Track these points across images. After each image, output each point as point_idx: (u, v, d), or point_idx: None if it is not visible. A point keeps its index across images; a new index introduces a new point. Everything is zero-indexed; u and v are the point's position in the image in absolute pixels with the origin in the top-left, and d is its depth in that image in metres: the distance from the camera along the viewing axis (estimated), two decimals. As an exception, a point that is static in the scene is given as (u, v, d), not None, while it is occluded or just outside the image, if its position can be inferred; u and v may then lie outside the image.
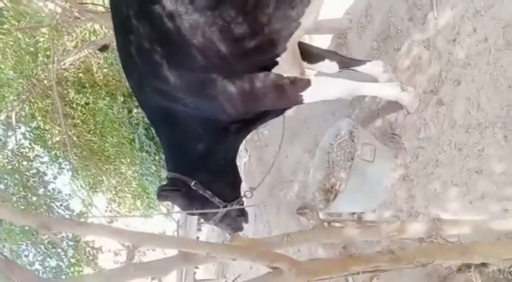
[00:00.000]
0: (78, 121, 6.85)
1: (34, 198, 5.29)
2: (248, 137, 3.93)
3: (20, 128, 6.06)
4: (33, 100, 6.11)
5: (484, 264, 1.24)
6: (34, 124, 6.43)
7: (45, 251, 5.25)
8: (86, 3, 5.57)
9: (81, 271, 5.88)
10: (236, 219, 2.87)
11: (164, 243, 1.03)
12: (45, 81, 5.96)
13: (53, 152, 6.46)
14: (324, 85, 2.60)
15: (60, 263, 5.58)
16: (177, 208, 2.99)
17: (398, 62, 3.15)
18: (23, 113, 6.11)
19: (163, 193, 2.67)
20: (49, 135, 6.58)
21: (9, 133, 5.73)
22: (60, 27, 5.36)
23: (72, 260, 5.45)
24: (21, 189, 5.16)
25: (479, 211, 2.28)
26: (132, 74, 2.54)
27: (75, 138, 6.55)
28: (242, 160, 6.31)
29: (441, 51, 2.76)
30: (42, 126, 6.47)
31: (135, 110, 6.72)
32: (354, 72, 2.98)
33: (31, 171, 5.65)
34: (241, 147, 4.72)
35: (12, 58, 5.67)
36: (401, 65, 3.11)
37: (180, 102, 2.46)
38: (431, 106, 2.74)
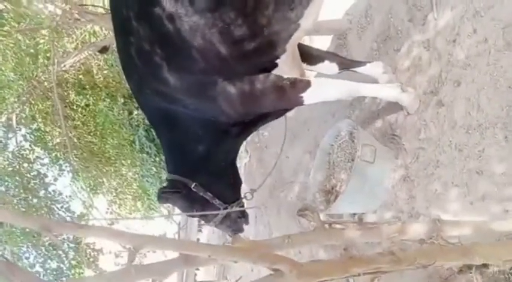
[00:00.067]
0: (79, 123, 6.86)
1: (35, 200, 5.29)
2: (248, 138, 3.94)
3: (20, 130, 6.06)
4: (33, 102, 6.12)
5: (485, 265, 1.24)
6: (34, 126, 6.44)
7: (46, 253, 5.25)
8: (86, 5, 5.58)
9: (82, 273, 5.87)
10: (236, 221, 2.87)
11: (165, 246, 1.03)
12: (46, 83, 5.97)
13: (54, 154, 6.46)
14: (324, 86, 2.60)
15: (61, 265, 5.58)
16: (177, 210, 2.99)
17: (398, 63, 3.15)
18: (24, 115, 6.12)
19: (163, 195, 2.67)
20: (49, 137, 6.58)
21: (10, 135, 5.73)
22: (60, 29, 5.36)
23: (73, 262, 5.46)
24: (21, 191, 5.16)
25: (480, 212, 2.28)
26: (132, 76, 2.54)
27: (75, 140, 6.55)
28: (242, 161, 6.31)
29: (441, 52, 2.77)
30: (42, 128, 6.48)
31: (135, 112, 6.72)
32: (353, 74, 2.99)
33: (32, 173, 5.65)
34: (242, 148, 4.73)
35: (13, 60, 5.68)
36: (401, 66, 3.11)
37: (180, 104, 2.46)
38: (432, 107, 2.74)
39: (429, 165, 2.67)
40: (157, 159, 7.01)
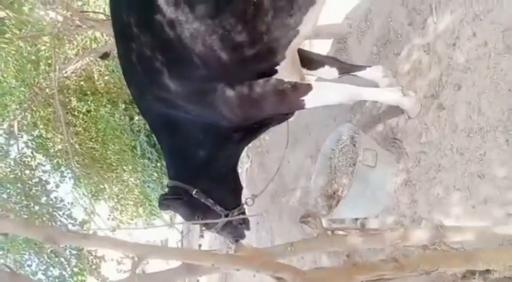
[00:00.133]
0: (80, 129, 6.87)
1: (37, 207, 5.29)
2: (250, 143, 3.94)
3: (22, 136, 6.07)
4: (35, 109, 6.14)
5: (488, 271, 1.23)
6: (36, 132, 6.45)
7: (48, 260, 5.24)
8: (87, 12, 5.61)
9: (84, 280, 5.86)
10: (238, 227, 2.87)
11: (168, 255, 1.03)
12: (47, 90, 5.99)
13: (55, 160, 6.47)
14: (325, 90, 2.60)
15: (63, 272, 5.56)
16: (179, 216, 2.99)
17: (399, 67, 3.15)
18: (25, 122, 6.13)
19: (164, 202, 2.67)
20: (51, 144, 6.59)
21: (12, 142, 5.74)
22: (61, 36, 5.38)
23: (75, 269, 5.44)
24: (23, 198, 5.16)
25: (482, 216, 2.28)
26: (133, 82, 2.55)
27: (77, 146, 6.57)
28: (244, 166, 6.32)
29: (441, 55, 2.77)
30: (44, 135, 6.49)
31: (136, 117, 6.73)
32: (354, 78, 2.99)
33: (33, 180, 5.65)
34: (243, 153, 4.73)
35: (14, 67, 5.70)
36: (402, 70, 3.12)
37: (181, 110, 2.47)
38: (432, 111, 2.74)
39: (431, 169, 2.66)
40: (158, 164, 7.02)
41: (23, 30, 5.25)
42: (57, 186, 5.99)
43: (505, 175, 2.20)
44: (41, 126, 6.41)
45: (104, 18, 5.39)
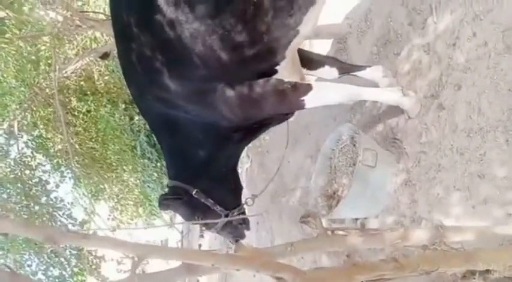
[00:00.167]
0: (80, 129, 6.87)
1: (37, 207, 5.29)
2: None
3: (22, 136, 6.07)
4: (35, 108, 6.14)
5: (488, 271, 1.23)
6: (36, 133, 6.45)
7: (48, 260, 5.25)
8: (87, 12, 5.61)
9: (84, 280, 5.86)
10: (238, 227, 2.87)
11: (168, 255, 1.03)
12: (47, 90, 5.99)
13: (55, 160, 6.47)
14: (325, 89, 2.60)
15: (63, 272, 5.56)
16: (179, 216, 2.99)
17: (399, 67, 3.15)
18: (25, 122, 6.13)
19: (164, 202, 2.67)
20: (51, 144, 6.59)
21: (12, 142, 5.74)
22: (61, 36, 5.38)
23: (75, 269, 5.45)
24: (23, 198, 5.16)
25: (482, 216, 2.28)
26: (133, 82, 2.55)
27: (77, 146, 6.57)
28: (244, 166, 6.32)
29: (441, 55, 2.77)
30: (44, 135, 6.49)
31: (136, 117, 6.74)
32: (354, 78, 2.99)
33: (33, 180, 5.65)
34: (243, 153, 4.74)
35: (14, 67, 5.70)
36: (402, 70, 3.12)
37: (181, 110, 2.47)
38: (432, 111, 2.74)
39: (431, 169, 2.66)
40: (158, 164, 7.02)
41: (23, 30, 5.25)
42: (57, 186, 6.00)
43: (505, 175, 2.20)
44: (41, 126, 6.41)
45: (104, 18, 5.39)
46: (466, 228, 1.35)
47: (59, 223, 5.46)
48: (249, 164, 6.42)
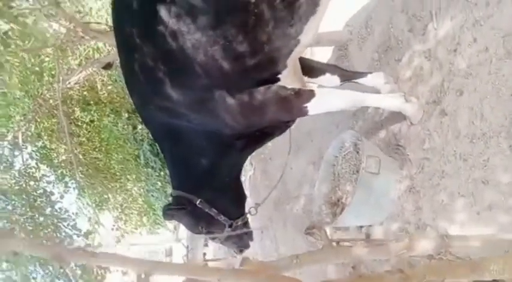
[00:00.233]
0: (84, 139, 6.91)
1: (41, 219, 5.29)
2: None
3: (26, 147, 6.11)
4: (39, 119, 6.18)
5: (495, 281, 1.23)
6: (40, 143, 6.48)
7: (53, 272, 5.23)
8: (89, 23, 5.67)
9: (90, 292, 5.84)
10: (242, 237, 2.87)
11: (174, 271, 1.03)
12: (51, 101, 6.03)
13: (59, 171, 6.50)
14: (328, 96, 2.60)
15: (69, 284, 5.55)
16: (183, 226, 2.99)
17: (400, 73, 3.16)
18: (29, 133, 6.17)
19: (168, 212, 2.67)
20: (55, 154, 6.63)
21: (16, 153, 5.76)
22: (64, 47, 5.44)
23: (81, 281, 5.43)
24: (28, 209, 5.17)
25: (487, 222, 2.26)
26: (136, 92, 2.56)
27: (80, 157, 6.60)
28: (247, 174, 6.32)
29: (442, 61, 2.77)
30: (48, 146, 6.53)
31: (139, 126, 6.77)
32: (355, 85, 3.00)
33: (38, 191, 5.66)
34: (246, 160, 4.74)
35: (18, 78, 5.75)
36: (403, 76, 3.12)
37: (184, 119, 2.48)
38: (435, 117, 2.74)
39: (434, 175, 2.65)
40: (162, 173, 7.03)
41: (27, 42, 5.30)
42: (62, 197, 6.00)
43: (509, 181, 2.19)
44: (45, 137, 6.45)
45: (107, 28, 5.44)
46: (471, 237, 1.35)
47: (63, 234, 5.46)
48: (252, 172, 6.42)
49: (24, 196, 5.30)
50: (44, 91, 5.98)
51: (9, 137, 5.84)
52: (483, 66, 2.45)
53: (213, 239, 2.88)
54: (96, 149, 7.04)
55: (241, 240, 2.89)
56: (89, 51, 6.50)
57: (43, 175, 6.14)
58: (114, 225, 7.30)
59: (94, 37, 5.27)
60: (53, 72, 5.89)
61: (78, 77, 6.27)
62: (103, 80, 6.96)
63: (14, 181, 5.60)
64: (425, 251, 1.24)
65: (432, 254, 1.24)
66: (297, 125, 4.52)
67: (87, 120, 6.79)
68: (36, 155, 6.34)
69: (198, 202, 2.63)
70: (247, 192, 3.14)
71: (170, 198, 2.84)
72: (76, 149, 6.40)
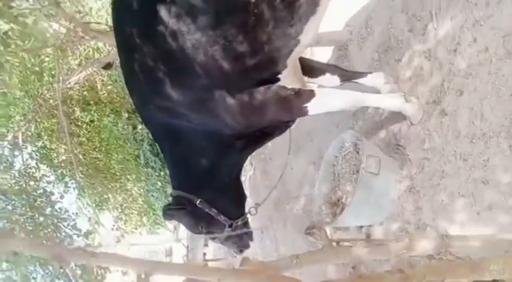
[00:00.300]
0: (84, 139, 6.91)
1: (41, 219, 5.29)
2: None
3: (26, 148, 6.11)
4: (39, 119, 6.19)
5: (495, 281, 1.23)
6: (40, 143, 6.49)
7: (54, 272, 5.23)
8: (89, 23, 5.67)
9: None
10: (242, 238, 2.87)
11: (174, 271, 1.03)
12: (51, 101, 6.04)
13: (59, 171, 6.50)
14: (328, 96, 2.60)
15: (69, 284, 5.55)
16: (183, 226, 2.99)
17: (400, 73, 3.16)
18: (30, 133, 6.17)
19: (168, 212, 2.67)
20: (55, 154, 6.63)
21: (16, 153, 5.77)
22: (64, 47, 5.44)
23: (81, 281, 5.42)
24: (28, 209, 5.17)
25: (487, 222, 2.26)
26: (136, 92, 2.57)
27: (80, 157, 6.60)
28: (247, 174, 6.32)
29: (442, 61, 2.78)
30: (48, 146, 6.54)
31: (139, 126, 6.77)
32: (355, 85, 3.00)
33: (38, 191, 5.66)
34: (246, 161, 4.74)
35: (18, 78, 5.75)
36: (403, 76, 3.12)
37: (184, 119, 2.48)
38: (435, 117, 2.74)
39: (434, 175, 2.66)
40: (162, 173, 7.03)
41: (27, 42, 5.30)
42: (62, 197, 6.00)
43: (509, 181, 2.19)
44: (45, 137, 6.46)
45: (107, 28, 5.44)
46: (471, 237, 1.35)
47: (63, 234, 5.46)
48: (252, 172, 6.42)
49: (24, 196, 5.31)
50: (44, 91, 5.98)
51: (9, 137, 5.84)
52: (483, 66, 2.45)
53: (213, 239, 2.88)
54: (96, 149, 7.04)
55: (241, 240, 2.89)
56: (89, 51, 6.50)
57: (43, 175, 6.14)
58: (114, 225, 7.31)
59: (94, 37, 5.27)
60: (53, 72, 5.89)
61: (78, 77, 6.28)
62: (103, 80, 6.97)
63: (14, 181, 5.60)
64: (425, 251, 1.24)
65: (432, 254, 1.25)
66: (297, 125, 4.52)
67: (87, 120, 6.79)
68: (36, 155, 6.34)
69: (198, 202, 2.63)
70: (247, 192, 3.14)
71: (170, 198, 2.84)
72: (76, 149, 6.40)
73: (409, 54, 3.12)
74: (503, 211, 2.20)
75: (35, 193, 5.56)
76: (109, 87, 7.00)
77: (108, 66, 5.64)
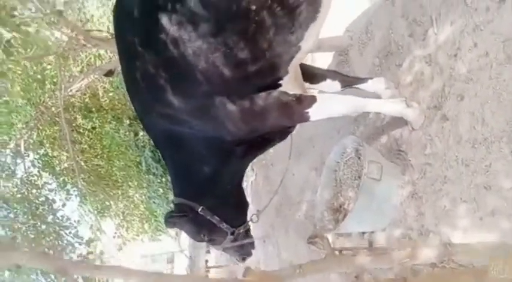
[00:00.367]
0: (86, 146, 6.93)
1: (43, 227, 5.29)
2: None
3: (28, 155, 6.12)
4: (41, 127, 6.20)
5: (498, 289, 1.22)
6: (42, 151, 6.50)
7: (55, 280, 5.22)
8: (91, 30, 5.71)
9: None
10: (244, 245, 2.86)
11: (175, 282, 1.03)
12: (53, 108, 6.06)
13: (61, 179, 6.51)
14: (329, 101, 2.60)
15: (70, 292, 5.51)
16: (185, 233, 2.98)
17: (401, 78, 3.16)
18: (31, 141, 6.18)
19: (170, 220, 2.67)
20: (57, 162, 6.64)
21: (18, 161, 5.78)
22: (66, 55, 5.47)
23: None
24: (30, 217, 5.17)
25: (490, 228, 2.25)
26: (137, 99, 2.57)
27: (82, 164, 6.61)
28: (249, 180, 6.31)
29: (443, 66, 2.78)
30: (50, 153, 6.55)
31: (141, 133, 6.78)
32: (356, 90, 3.00)
33: (40, 199, 5.66)
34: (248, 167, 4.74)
35: (20, 86, 5.78)
36: (404, 81, 3.12)
37: (185, 126, 2.48)
38: (436, 122, 2.73)
39: (436, 181, 2.64)
40: (163, 180, 7.03)
41: (29, 50, 5.33)
42: (64, 204, 6.00)
43: (511, 186, 2.19)
44: (47, 145, 6.47)
45: (108, 36, 5.48)
46: (474, 245, 1.34)
47: (65, 242, 5.45)
48: (253, 177, 6.42)
49: (26, 204, 5.31)
50: (46, 99, 6.00)
51: (11, 145, 5.86)
52: (484, 71, 2.45)
53: (215, 246, 2.87)
54: (98, 156, 7.05)
55: (244, 248, 2.88)
56: (91, 58, 6.54)
57: (45, 183, 6.15)
58: (116, 233, 7.29)
59: (96, 44, 5.30)
60: (54, 80, 5.92)
61: (80, 84, 6.30)
62: (105, 87, 6.99)
63: (16, 189, 5.61)
64: (428, 259, 1.23)
65: (435, 262, 1.24)
66: (299, 131, 4.53)
67: (89, 127, 6.81)
68: (38, 162, 6.35)
69: (200, 209, 2.63)
70: (249, 198, 3.13)
71: (172, 206, 2.84)
72: (78, 156, 6.41)
73: (410, 59, 3.12)
74: (506, 217, 2.18)
75: (37, 201, 5.56)
76: (111, 94, 7.03)
77: (109, 73, 5.67)
